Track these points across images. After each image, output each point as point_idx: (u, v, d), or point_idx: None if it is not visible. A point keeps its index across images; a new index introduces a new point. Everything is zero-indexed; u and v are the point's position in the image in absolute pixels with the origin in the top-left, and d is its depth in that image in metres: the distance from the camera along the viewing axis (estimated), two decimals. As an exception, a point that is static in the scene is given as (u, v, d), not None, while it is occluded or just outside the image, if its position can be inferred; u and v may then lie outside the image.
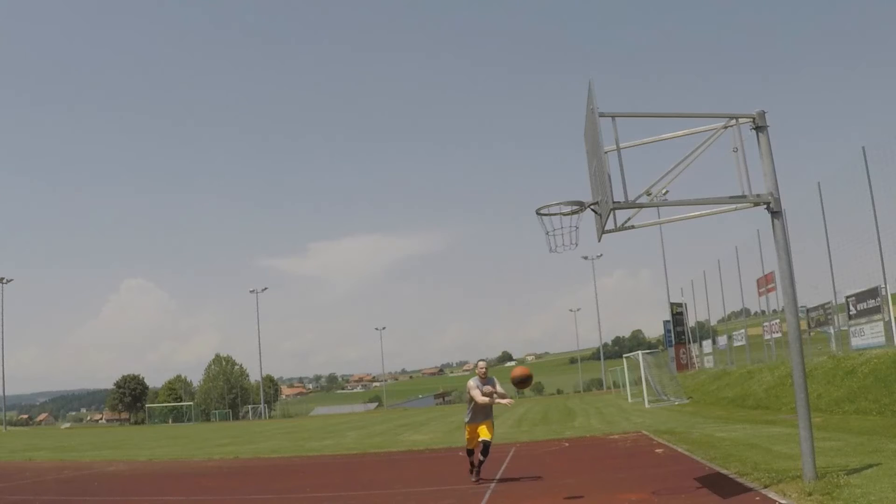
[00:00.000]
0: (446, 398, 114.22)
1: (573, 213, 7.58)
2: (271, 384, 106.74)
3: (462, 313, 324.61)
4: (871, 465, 7.52)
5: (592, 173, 7.71)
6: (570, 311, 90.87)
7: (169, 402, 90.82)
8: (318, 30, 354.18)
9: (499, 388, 9.46)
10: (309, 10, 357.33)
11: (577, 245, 7.72)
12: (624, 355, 39.41)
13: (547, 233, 7.64)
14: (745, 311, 33.06)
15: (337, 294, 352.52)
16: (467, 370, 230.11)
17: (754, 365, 28.79)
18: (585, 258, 74.53)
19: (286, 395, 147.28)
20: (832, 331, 23.16)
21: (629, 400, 36.20)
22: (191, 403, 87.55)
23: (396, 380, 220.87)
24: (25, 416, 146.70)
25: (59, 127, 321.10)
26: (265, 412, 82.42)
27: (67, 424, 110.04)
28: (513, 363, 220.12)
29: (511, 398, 9.83)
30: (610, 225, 7.40)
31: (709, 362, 39.56)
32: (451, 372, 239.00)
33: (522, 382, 9.35)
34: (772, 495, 6.70)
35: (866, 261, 18.56)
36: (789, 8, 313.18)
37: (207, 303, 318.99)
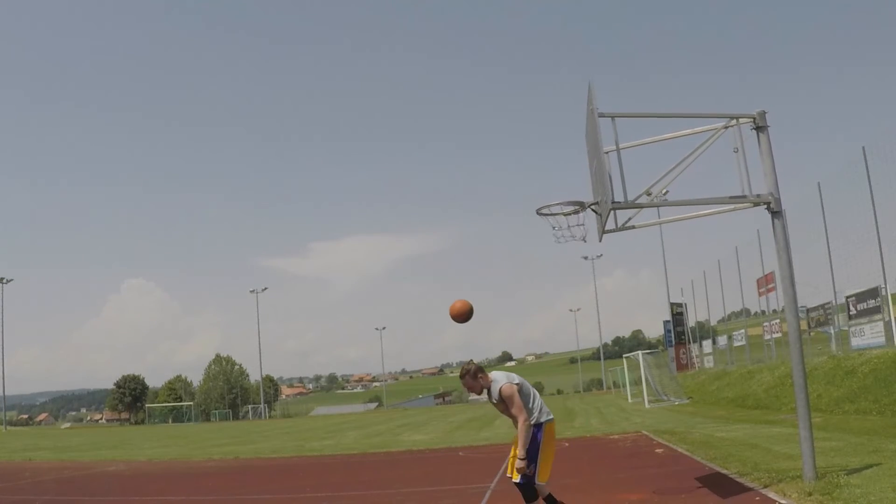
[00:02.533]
0: (446, 398, 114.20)
1: (573, 212, 7.59)
2: (271, 384, 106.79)
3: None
4: (871, 465, 7.52)
5: (593, 173, 7.71)
6: (571, 311, 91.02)
7: (169, 402, 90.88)
8: (318, 30, 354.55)
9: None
10: (309, 11, 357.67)
11: (585, 241, 7.69)
12: (624, 355, 39.44)
13: (553, 227, 7.65)
14: (745, 311, 33.09)
15: (337, 294, 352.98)
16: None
17: (754, 365, 28.78)
18: (585, 258, 74.86)
19: (286, 395, 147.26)
20: (832, 331, 23.16)
21: (629, 400, 36.23)
22: (191, 403, 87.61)
23: (396, 380, 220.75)
24: (25, 416, 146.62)
25: (59, 127, 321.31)
26: (265, 412, 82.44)
27: (67, 424, 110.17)
28: (512, 363, 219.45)
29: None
30: (610, 225, 7.40)
31: (709, 362, 39.55)
32: (451, 372, 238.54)
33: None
34: (772, 495, 6.70)
35: (866, 261, 18.58)
36: (789, 8, 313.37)
37: (207, 303, 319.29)
